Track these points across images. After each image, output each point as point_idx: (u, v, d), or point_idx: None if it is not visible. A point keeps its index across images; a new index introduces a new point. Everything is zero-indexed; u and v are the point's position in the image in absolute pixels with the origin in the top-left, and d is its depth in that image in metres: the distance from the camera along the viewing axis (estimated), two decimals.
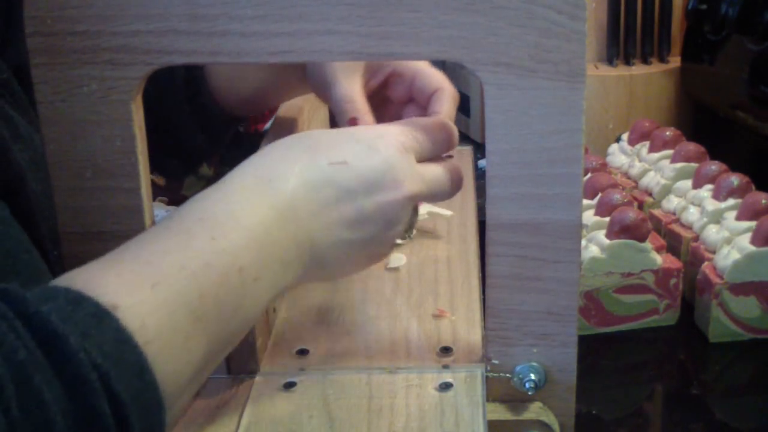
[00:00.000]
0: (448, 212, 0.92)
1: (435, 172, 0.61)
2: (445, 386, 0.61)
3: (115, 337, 0.41)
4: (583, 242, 0.89)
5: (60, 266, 0.60)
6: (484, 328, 0.68)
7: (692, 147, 1.03)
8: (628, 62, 1.30)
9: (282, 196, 0.53)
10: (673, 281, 0.89)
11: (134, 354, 0.41)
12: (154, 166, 0.74)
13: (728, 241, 0.88)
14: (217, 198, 0.52)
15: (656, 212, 1.00)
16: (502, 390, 0.62)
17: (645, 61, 1.31)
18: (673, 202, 0.99)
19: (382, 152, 0.57)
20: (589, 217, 0.92)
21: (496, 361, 0.61)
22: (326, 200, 0.54)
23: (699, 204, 0.95)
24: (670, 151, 1.05)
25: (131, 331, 0.41)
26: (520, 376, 0.60)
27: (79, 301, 0.41)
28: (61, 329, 0.39)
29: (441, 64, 0.74)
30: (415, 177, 0.58)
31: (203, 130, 0.81)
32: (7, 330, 0.38)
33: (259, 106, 0.83)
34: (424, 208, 0.92)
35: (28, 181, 0.59)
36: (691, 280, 0.91)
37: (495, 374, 0.61)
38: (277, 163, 0.54)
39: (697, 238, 0.93)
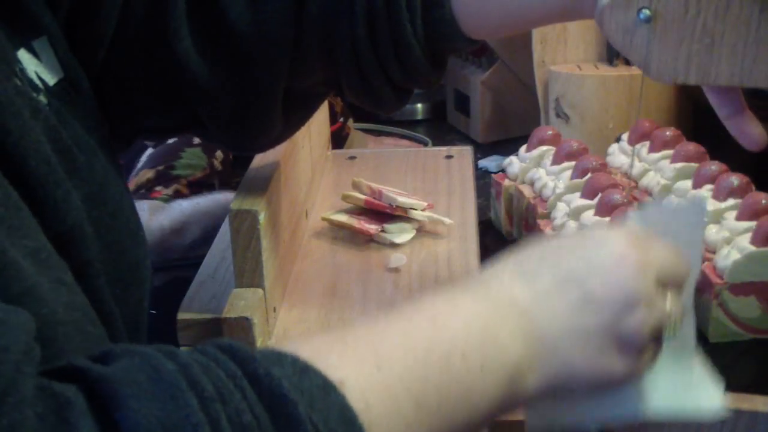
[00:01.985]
0: (449, 220, 0.92)
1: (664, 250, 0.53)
2: None
3: (340, 414, 0.40)
4: None
5: (120, 328, 0.55)
6: None
7: (692, 147, 1.03)
8: (628, 62, 1.30)
9: (497, 287, 0.50)
10: None
11: None
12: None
13: (728, 241, 0.88)
14: (436, 293, 0.49)
15: None
16: None
17: None
18: (673, 203, 0.99)
19: (603, 238, 0.52)
20: (589, 217, 0.92)
21: None
22: (544, 287, 0.50)
23: None
24: (670, 151, 1.04)
25: (357, 410, 0.40)
26: None
27: (306, 370, 0.40)
28: (291, 395, 0.38)
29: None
30: (644, 247, 0.51)
31: (428, 50, 0.67)
32: (234, 389, 0.38)
33: (508, 28, 0.69)
34: (425, 214, 0.92)
35: (85, 226, 0.53)
36: None
37: None
38: (489, 270, 0.52)
39: None
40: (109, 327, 0.53)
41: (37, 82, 0.54)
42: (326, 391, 0.40)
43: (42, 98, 0.54)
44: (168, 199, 1.17)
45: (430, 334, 0.46)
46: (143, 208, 1.15)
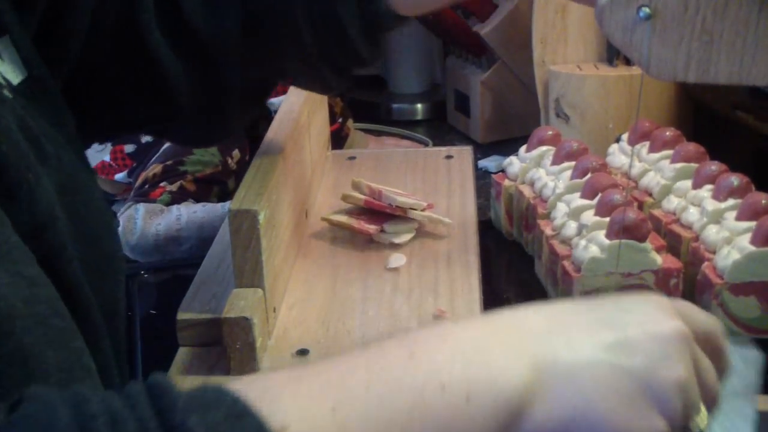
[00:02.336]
0: (448, 220, 0.92)
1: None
2: None
3: None
4: (583, 242, 0.89)
5: (95, 319, 0.54)
6: None
7: (692, 147, 1.03)
8: (628, 62, 1.30)
9: (507, 316, 0.44)
10: (673, 281, 0.89)
11: None
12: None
13: (728, 241, 0.88)
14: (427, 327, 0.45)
15: (656, 212, 1.00)
16: None
17: None
18: (673, 202, 0.99)
19: (644, 298, 0.46)
20: (589, 217, 0.92)
21: None
22: (570, 325, 0.44)
23: (699, 204, 0.95)
24: (670, 151, 1.04)
25: None
26: None
27: (243, 416, 0.36)
28: None
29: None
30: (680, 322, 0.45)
31: (366, 36, 0.71)
32: None
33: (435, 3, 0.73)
34: (425, 214, 0.92)
35: (57, 212, 0.52)
36: (691, 280, 0.91)
37: None
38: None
39: (697, 238, 0.93)
40: (86, 318, 0.52)
41: (1, 80, 0.54)
42: None
43: (7, 93, 0.54)
44: (168, 199, 1.17)
45: (402, 367, 0.40)
46: (139, 211, 1.15)
